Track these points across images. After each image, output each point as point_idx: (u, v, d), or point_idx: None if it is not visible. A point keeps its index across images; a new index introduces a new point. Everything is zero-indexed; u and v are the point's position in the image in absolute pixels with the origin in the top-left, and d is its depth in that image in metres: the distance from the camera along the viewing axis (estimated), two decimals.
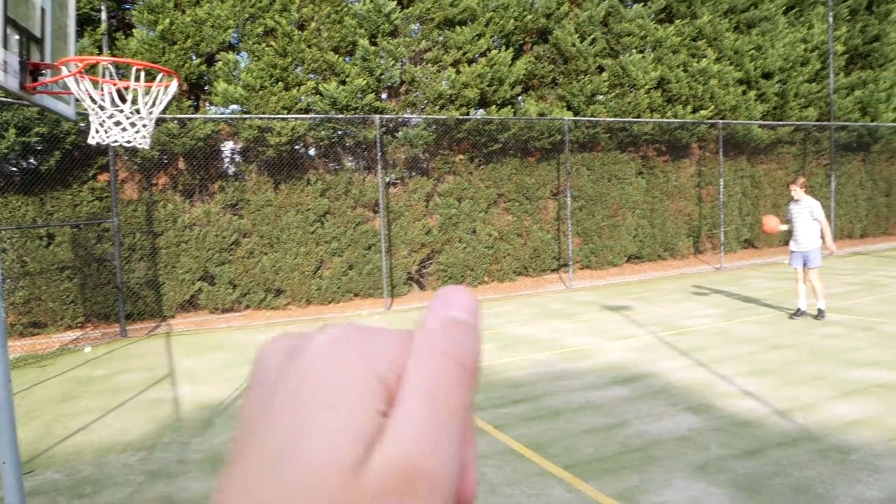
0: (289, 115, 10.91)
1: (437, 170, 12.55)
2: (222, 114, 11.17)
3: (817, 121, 16.98)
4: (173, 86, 4.24)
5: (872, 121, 17.89)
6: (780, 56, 15.82)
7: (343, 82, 11.46)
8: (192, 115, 10.52)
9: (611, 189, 14.17)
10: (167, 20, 10.18)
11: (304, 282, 11.46)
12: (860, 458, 4.53)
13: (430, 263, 12.62)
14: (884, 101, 17.82)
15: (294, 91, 11.13)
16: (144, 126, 4.24)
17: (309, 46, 11.24)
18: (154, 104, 4.17)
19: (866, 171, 18.73)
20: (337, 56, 11.36)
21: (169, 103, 5.48)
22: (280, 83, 11.04)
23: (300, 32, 11.14)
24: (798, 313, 9.06)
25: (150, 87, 4.10)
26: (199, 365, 8.02)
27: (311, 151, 11.86)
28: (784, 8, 16.31)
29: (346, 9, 11.45)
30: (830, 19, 16.57)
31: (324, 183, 11.57)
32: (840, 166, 17.93)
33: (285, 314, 11.19)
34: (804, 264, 8.90)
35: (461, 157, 12.67)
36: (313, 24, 11.25)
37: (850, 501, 3.96)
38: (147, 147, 4.26)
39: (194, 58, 10.75)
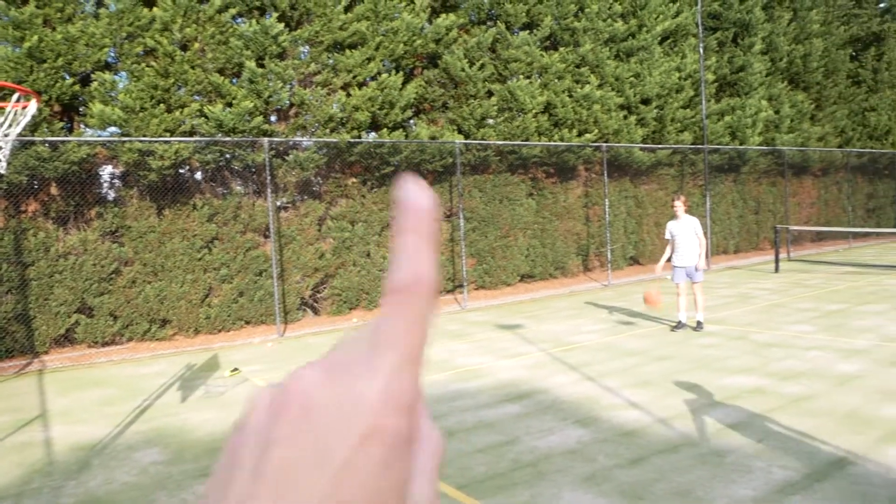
0: (172, 138, 10.50)
1: (330, 193, 12.41)
2: (99, 136, 10.61)
3: (692, 144, 18.04)
4: (32, 106, 3.97)
5: (741, 144, 19.19)
6: (657, 83, 16.73)
7: (230, 104, 11.17)
8: (65, 138, 9.93)
9: (502, 210, 14.46)
10: (35, 37, 9.60)
11: (192, 311, 10.99)
12: (734, 459, 4.77)
13: (324, 288, 12.41)
14: (750, 126, 19.17)
15: (177, 113, 10.74)
16: (0, 149, 3.95)
17: (192, 67, 10.89)
18: (10, 125, 3.89)
19: (737, 191, 20.03)
20: (223, 78, 11.07)
21: (31, 125, 5.13)
22: (162, 105, 10.62)
23: (183, 53, 10.79)
24: (679, 325, 9.51)
25: (5, 107, 3.82)
26: (74, 403, 7.49)
27: (198, 175, 11.45)
28: (660, 38, 17.29)
29: (231, 30, 11.20)
30: (701, 50, 17.70)
31: (211, 208, 11.18)
32: (714, 186, 19.09)
33: (172, 345, 10.68)
34: (688, 279, 9.35)
35: (353, 180, 12.59)
36: (197, 45, 10.93)
37: (726, 502, 4.15)
38: (3, 171, 3.95)
39: (67, 77, 10.18)
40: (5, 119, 3.92)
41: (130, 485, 5.00)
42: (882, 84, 25.40)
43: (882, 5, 26.47)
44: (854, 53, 25.16)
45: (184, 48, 10.98)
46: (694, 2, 18.29)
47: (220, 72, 11.25)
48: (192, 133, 11.05)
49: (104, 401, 7.51)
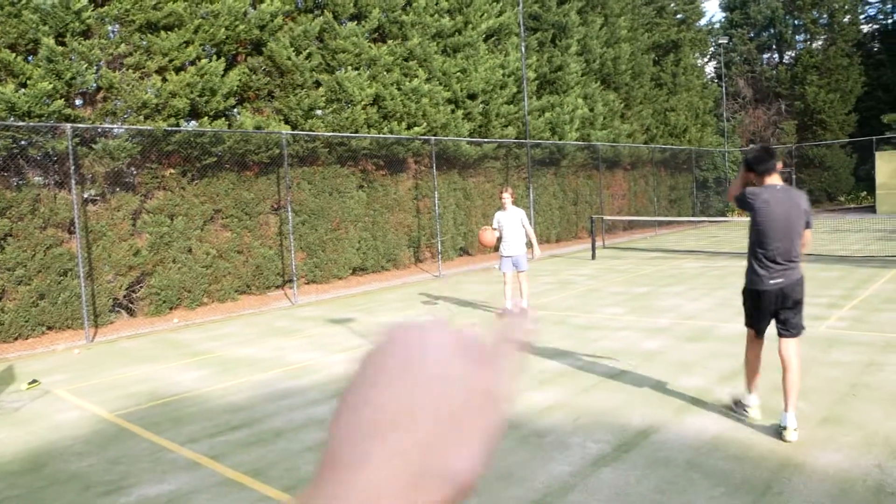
0: None
1: (145, 185, 11.56)
2: None
3: (516, 139, 18.83)
4: None
5: (560, 139, 20.32)
6: (483, 79, 17.28)
7: (24, 85, 10.06)
8: None
9: (332, 203, 14.27)
10: None
11: None
12: (554, 438, 5.01)
13: (141, 287, 11.57)
14: (568, 123, 20.35)
15: None
16: None
17: None
18: None
19: (558, 184, 21.21)
20: (14, 55, 9.94)
21: None
22: None
23: None
24: (505, 312, 9.84)
25: None
26: None
27: None
28: (484, 36, 17.86)
29: (24, 2, 10.06)
30: (523, 49, 18.51)
31: (3, 200, 9.99)
32: (536, 179, 20.07)
33: None
34: (514, 268, 9.68)
35: (172, 171, 11.82)
36: None
37: (546, 478, 4.35)
38: None
39: None
40: None
41: None
42: (680, 87, 28.02)
43: (679, 16, 29.15)
44: (656, 58, 27.51)
45: None
46: (516, 2, 19.07)
47: (12, 48, 10.09)
48: None
49: None
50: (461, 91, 16.89)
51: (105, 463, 5.14)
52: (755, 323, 4.97)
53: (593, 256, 17.15)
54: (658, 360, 6.98)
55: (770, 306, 4.79)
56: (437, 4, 16.32)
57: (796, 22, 36.95)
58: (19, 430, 6.05)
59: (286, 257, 13.31)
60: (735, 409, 5.28)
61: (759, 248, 4.78)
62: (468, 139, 16.87)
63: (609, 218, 21.45)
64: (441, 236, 16.37)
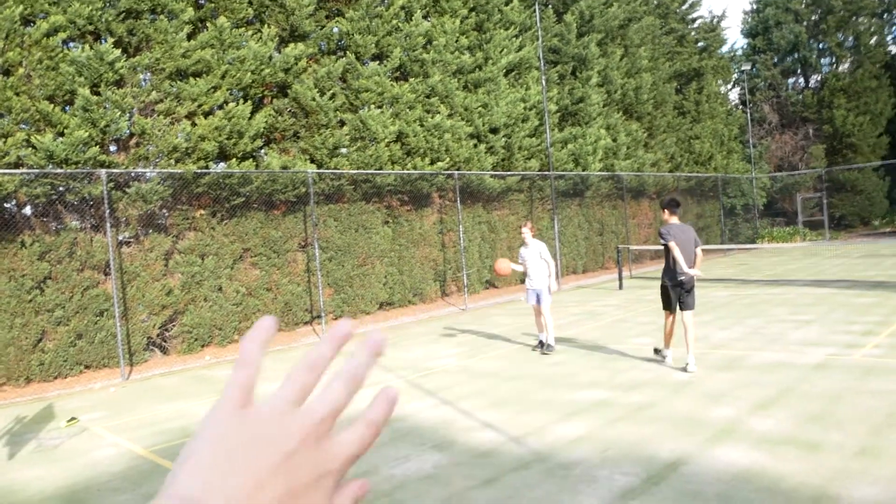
0: (1, 170, 9.65)
1: (176, 226, 11.85)
2: None
3: (539, 171, 18.95)
4: None
5: (584, 170, 20.39)
6: (504, 113, 17.48)
7: (61, 134, 10.44)
8: None
9: (358, 239, 14.45)
10: None
11: (22, 357, 10.06)
12: (581, 471, 5.00)
13: (174, 326, 11.79)
14: (591, 154, 20.43)
15: (4, 142, 9.89)
16: None
17: (17, 94, 10.10)
18: None
19: (583, 214, 21.23)
20: (53, 105, 10.34)
21: None
22: None
23: (5, 78, 9.98)
24: (541, 345, 9.77)
25: None
26: None
27: (26, 210, 10.56)
28: (505, 70, 18.11)
29: (62, 55, 10.50)
30: (543, 82, 18.72)
31: (42, 245, 10.33)
32: (561, 210, 20.12)
33: (5, 393, 9.71)
34: (537, 301, 9.70)
35: (202, 212, 12.11)
36: (21, 70, 10.16)
37: None
38: None
39: None
40: None
41: None
42: (703, 115, 27.97)
43: (700, 44, 29.24)
44: (679, 87, 27.56)
45: (6, 73, 10.16)
46: (535, 37, 19.35)
47: (50, 99, 10.51)
48: (17, 164, 10.21)
49: None
50: (483, 125, 17.10)
51: (139, 498, 5.25)
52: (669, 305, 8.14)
53: (620, 286, 17.07)
54: (687, 391, 6.93)
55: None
56: (456, 42, 16.63)
57: (821, 45, 36.79)
58: (58, 466, 6.20)
59: (314, 293, 13.47)
60: (656, 355, 8.56)
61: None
62: (491, 173, 17.02)
63: (635, 248, 21.36)
64: (466, 269, 16.45)
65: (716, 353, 8.59)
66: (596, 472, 4.95)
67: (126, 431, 7.25)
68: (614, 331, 10.93)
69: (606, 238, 22.15)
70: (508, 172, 17.68)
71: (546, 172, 18.88)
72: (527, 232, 9.73)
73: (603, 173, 21.02)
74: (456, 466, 5.33)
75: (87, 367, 10.69)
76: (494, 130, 17.61)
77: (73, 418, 7.81)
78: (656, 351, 8.58)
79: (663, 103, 25.22)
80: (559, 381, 7.88)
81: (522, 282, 10.05)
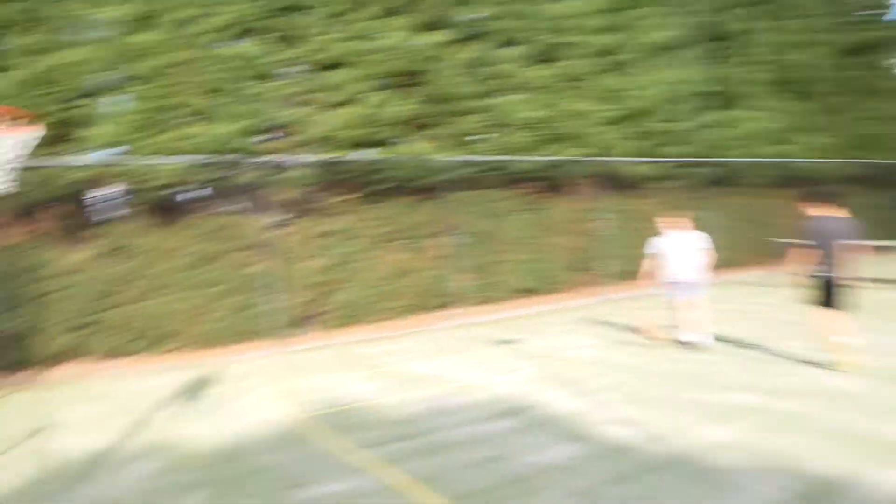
0: (169, 158, 10.65)
1: (326, 210, 12.54)
2: (99, 157, 10.77)
3: (687, 157, 18.13)
4: (35, 129, 4.11)
5: (736, 157, 19.27)
6: (650, 97, 16.86)
7: (224, 124, 11.31)
8: (68, 160, 10.09)
9: (498, 225, 14.56)
10: (43, 63, 9.85)
11: (193, 325, 11.13)
12: (725, 479, 4.82)
13: (325, 303, 12.51)
14: (745, 139, 19.25)
15: (171, 133, 10.90)
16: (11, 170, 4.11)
17: (186, 89, 11.06)
18: (18, 148, 4.04)
19: (736, 204, 20.07)
20: (216, 98, 11.23)
21: (32, 147, 5.27)
22: (155, 126, 10.80)
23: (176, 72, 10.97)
24: (686, 342, 9.46)
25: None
26: (77, 416, 7.56)
27: (192, 194, 11.58)
28: (651, 50, 17.43)
29: (233, 53, 11.42)
30: (695, 63, 17.85)
31: (208, 227, 11.36)
32: (712, 200, 19.16)
33: (177, 358, 10.82)
34: (688, 293, 9.39)
35: (349, 196, 12.72)
36: (188, 66, 11.11)
37: None
38: (10, 190, 4.11)
39: (65, 101, 10.37)
40: (13, 142, 4.05)
41: (129, 495, 5.08)
42: (884, 93, 25.38)
43: (879, 14, 26.63)
44: (853, 62, 25.19)
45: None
46: (688, 13, 18.45)
47: (213, 92, 11.41)
48: (186, 152, 11.20)
49: (105, 414, 7.60)
50: (626, 110, 16.58)
51: (290, 459, 5.75)
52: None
53: (779, 284, 16.08)
54: (850, 403, 6.39)
55: None
56: (600, 23, 16.20)
57: None
58: (222, 424, 6.95)
59: (455, 278, 13.76)
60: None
61: None
62: (637, 159, 16.51)
63: (796, 242, 19.92)
64: (607, 259, 16.12)
65: (891, 362, 7.87)
66: (743, 482, 4.74)
67: (285, 398, 7.88)
68: (770, 331, 10.32)
69: (760, 231, 20.81)
70: (653, 159, 17.07)
71: (695, 159, 18.04)
72: (672, 221, 9.46)
73: (758, 160, 19.77)
74: (591, 459, 5.31)
75: (247, 338, 11.61)
76: (639, 114, 17.02)
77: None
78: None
79: (835, 81, 23.13)
80: (705, 380, 7.59)
81: (666, 276, 9.73)
